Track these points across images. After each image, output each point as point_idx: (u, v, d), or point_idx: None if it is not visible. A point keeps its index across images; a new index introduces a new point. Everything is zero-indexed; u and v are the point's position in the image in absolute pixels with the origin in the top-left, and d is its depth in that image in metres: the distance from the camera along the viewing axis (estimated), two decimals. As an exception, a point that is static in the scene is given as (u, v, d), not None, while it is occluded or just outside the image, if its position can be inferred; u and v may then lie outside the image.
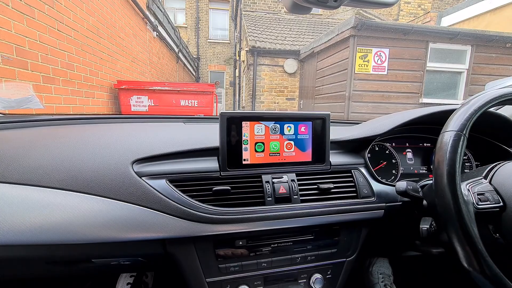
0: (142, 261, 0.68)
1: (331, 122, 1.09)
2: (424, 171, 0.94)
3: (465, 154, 0.94)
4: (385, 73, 4.58)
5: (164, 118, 1.03)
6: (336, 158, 0.76)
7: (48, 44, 2.69)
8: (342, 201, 0.70)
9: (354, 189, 0.73)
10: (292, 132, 0.69)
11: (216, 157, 0.68)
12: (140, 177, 0.59)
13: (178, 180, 0.61)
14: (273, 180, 0.67)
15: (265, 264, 0.68)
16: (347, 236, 0.74)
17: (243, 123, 0.65)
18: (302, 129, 0.70)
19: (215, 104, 5.54)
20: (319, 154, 0.71)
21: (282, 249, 0.69)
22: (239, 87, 10.15)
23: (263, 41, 6.98)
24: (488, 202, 0.51)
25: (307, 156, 0.71)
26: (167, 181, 0.60)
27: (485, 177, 0.57)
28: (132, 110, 4.25)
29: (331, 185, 0.70)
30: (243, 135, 0.65)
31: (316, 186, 0.70)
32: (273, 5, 9.39)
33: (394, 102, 4.80)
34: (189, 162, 0.65)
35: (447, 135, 0.51)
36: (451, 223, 0.46)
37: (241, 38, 9.55)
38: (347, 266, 0.75)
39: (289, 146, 0.70)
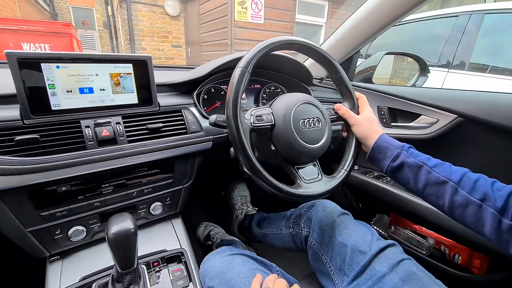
0: None
1: (176, 67, 1.13)
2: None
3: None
4: (262, 22, 4.80)
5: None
6: (167, 100, 0.82)
7: None
8: (172, 137, 0.78)
9: (184, 126, 0.82)
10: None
11: (18, 105, 0.61)
12: None
13: None
14: (95, 124, 0.67)
15: (98, 204, 0.72)
16: (181, 167, 0.85)
17: (44, 66, 0.60)
18: (123, 71, 0.70)
19: (77, 50, 4.50)
20: (146, 96, 0.75)
21: (116, 187, 0.74)
22: (116, 29, 8.47)
23: (134, -29, 5.85)
24: (263, 122, 0.68)
25: (133, 99, 0.73)
26: None
27: (270, 105, 0.75)
28: None
29: (161, 124, 0.76)
30: (46, 79, 0.61)
31: (145, 127, 0.74)
32: None
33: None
34: None
35: (236, 71, 0.63)
36: (233, 137, 0.61)
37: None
38: (185, 192, 0.89)
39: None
